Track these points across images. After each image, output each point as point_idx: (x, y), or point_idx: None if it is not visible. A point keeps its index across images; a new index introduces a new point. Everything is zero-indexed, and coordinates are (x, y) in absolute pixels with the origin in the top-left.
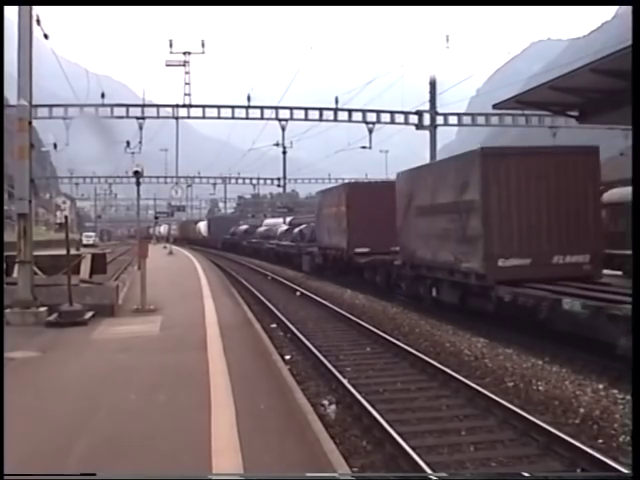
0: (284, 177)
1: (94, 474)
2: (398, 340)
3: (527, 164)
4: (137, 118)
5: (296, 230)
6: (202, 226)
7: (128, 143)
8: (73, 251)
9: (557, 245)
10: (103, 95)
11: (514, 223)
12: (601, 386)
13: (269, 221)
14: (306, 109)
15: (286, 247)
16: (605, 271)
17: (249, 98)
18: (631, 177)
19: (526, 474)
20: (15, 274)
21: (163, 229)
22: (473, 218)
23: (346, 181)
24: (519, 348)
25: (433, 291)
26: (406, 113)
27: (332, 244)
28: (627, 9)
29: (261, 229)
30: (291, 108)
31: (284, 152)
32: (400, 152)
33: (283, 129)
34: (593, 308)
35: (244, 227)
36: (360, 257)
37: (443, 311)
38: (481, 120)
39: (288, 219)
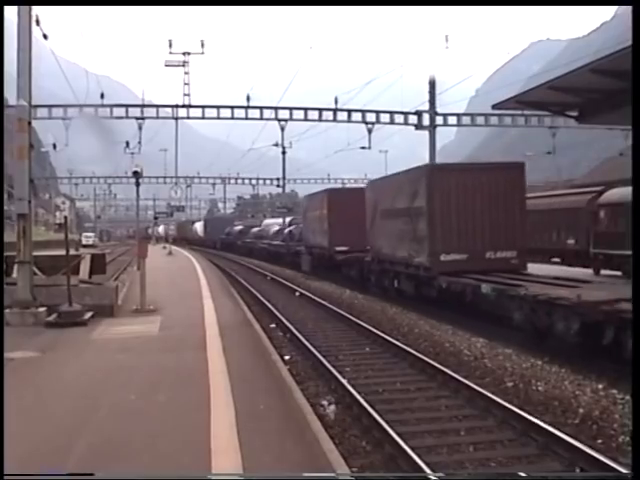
0: (283, 177)
1: (92, 474)
2: (397, 340)
3: (465, 177)
4: (136, 118)
5: (286, 230)
6: (199, 226)
7: (127, 143)
8: (72, 251)
9: (489, 243)
10: (102, 95)
11: (454, 225)
12: (600, 386)
13: (268, 221)
14: (305, 109)
15: (277, 246)
16: (605, 271)
17: (248, 98)
18: (631, 177)
19: (525, 474)
20: (14, 274)
21: (161, 229)
22: (421, 221)
23: (345, 181)
24: (518, 348)
25: (395, 282)
26: (405, 113)
27: (316, 243)
28: (626, 10)
29: (254, 229)
30: (290, 108)
31: (283, 152)
32: (399, 152)
33: (282, 129)
34: (498, 290)
35: (239, 227)
36: (339, 254)
37: (442, 311)
38: (480, 120)
39: (288, 219)
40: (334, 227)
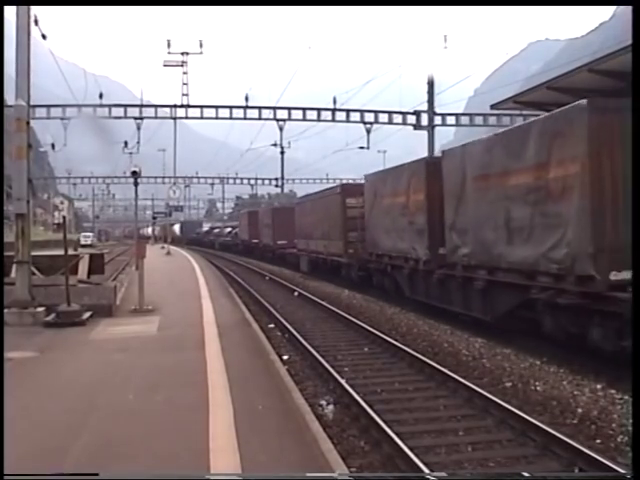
0: (282, 177)
1: (97, 474)
2: (396, 340)
3: (284, 212)
4: (135, 118)
5: (233, 232)
6: (176, 228)
7: (126, 143)
8: (71, 251)
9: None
10: (101, 95)
11: (283, 230)
12: (599, 386)
13: None
14: (304, 109)
15: (228, 241)
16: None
17: (247, 98)
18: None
19: (524, 474)
20: (13, 274)
21: (150, 230)
22: (270, 228)
23: (344, 181)
24: (517, 348)
25: (268, 255)
26: (404, 113)
27: (245, 238)
28: (624, 10)
29: (215, 230)
30: (289, 108)
31: (282, 152)
32: (398, 152)
33: (281, 129)
34: (283, 252)
35: (205, 229)
36: (253, 244)
37: (441, 311)
38: (479, 120)
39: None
40: (252, 230)
